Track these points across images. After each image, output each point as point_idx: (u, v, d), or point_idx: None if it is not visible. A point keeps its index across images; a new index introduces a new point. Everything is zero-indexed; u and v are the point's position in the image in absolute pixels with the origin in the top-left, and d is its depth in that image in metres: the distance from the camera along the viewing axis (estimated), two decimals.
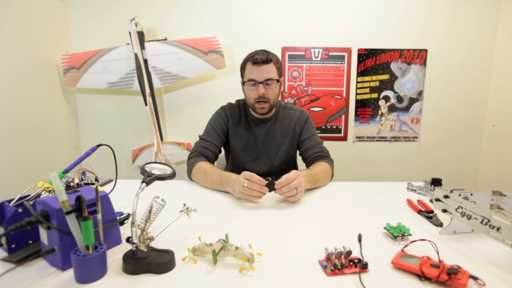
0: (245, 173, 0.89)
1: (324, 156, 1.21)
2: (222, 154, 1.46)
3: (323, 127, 2.10)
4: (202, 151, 1.21)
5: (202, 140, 1.25)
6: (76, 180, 1.05)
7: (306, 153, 1.25)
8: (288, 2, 1.96)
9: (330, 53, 2.02)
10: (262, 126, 1.29)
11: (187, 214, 0.66)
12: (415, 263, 0.53)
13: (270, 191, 0.89)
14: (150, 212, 0.54)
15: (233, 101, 1.37)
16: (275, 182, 0.87)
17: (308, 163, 1.24)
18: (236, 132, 1.29)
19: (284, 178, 0.87)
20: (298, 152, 1.35)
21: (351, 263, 0.54)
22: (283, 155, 1.29)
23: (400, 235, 0.65)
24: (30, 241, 0.60)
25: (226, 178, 0.99)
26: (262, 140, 1.29)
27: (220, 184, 1.01)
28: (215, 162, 1.28)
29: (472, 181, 2.19)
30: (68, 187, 0.92)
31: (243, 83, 1.22)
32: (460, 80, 2.06)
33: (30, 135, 1.57)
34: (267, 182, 0.87)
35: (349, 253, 0.56)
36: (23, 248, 0.59)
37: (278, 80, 1.19)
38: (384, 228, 0.70)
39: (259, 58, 1.14)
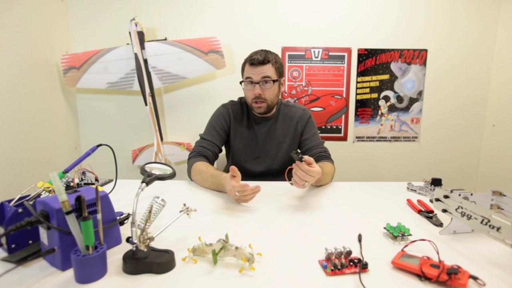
0: (233, 186, 0.85)
1: (327, 156, 1.21)
2: (223, 153, 1.45)
3: (323, 127, 2.10)
4: (202, 151, 1.20)
5: (202, 140, 1.25)
6: (76, 180, 1.05)
7: (309, 152, 1.25)
8: (288, 2, 1.96)
9: (330, 53, 2.01)
10: (264, 125, 1.29)
11: (187, 214, 0.66)
12: (415, 263, 0.53)
13: (294, 157, 0.84)
14: (150, 212, 0.54)
15: (235, 99, 1.36)
16: (302, 159, 0.83)
17: None
18: (237, 131, 1.29)
19: (307, 169, 0.83)
20: (299, 151, 1.34)
21: (351, 263, 0.54)
22: (284, 154, 1.29)
23: (400, 235, 0.65)
24: (30, 241, 0.60)
25: (219, 179, 0.98)
26: (263, 139, 1.29)
27: (215, 185, 1.01)
28: (216, 161, 1.28)
29: (472, 181, 2.19)
30: (68, 187, 0.92)
31: (241, 82, 1.23)
32: (460, 80, 2.06)
33: (30, 135, 1.57)
34: (296, 153, 0.83)
35: (349, 253, 0.56)
36: (23, 248, 0.59)
37: (275, 80, 1.19)
38: (384, 228, 0.70)
39: (256, 58, 1.15)
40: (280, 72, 1.22)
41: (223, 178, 0.97)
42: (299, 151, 0.85)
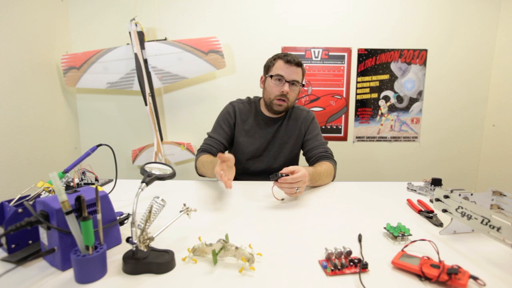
0: (216, 173, 0.88)
1: (328, 156, 1.22)
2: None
3: (323, 127, 2.10)
4: (207, 148, 1.23)
5: (208, 138, 1.28)
6: (76, 180, 1.05)
7: (310, 153, 1.26)
8: (288, 2, 1.96)
9: (330, 53, 2.01)
10: (271, 125, 1.30)
11: (187, 214, 0.66)
12: (415, 263, 0.53)
13: (273, 180, 0.89)
14: (150, 212, 0.54)
15: (242, 98, 1.37)
16: (282, 176, 0.88)
17: (312, 162, 1.24)
18: (242, 128, 1.30)
19: (291, 178, 0.87)
20: (302, 152, 1.35)
21: (351, 263, 0.54)
22: (287, 154, 1.30)
23: (400, 235, 0.65)
24: (30, 241, 0.60)
25: (216, 164, 0.99)
26: (269, 139, 1.30)
27: (214, 171, 1.02)
28: None
29: (472, 181, 2.19)
30: (68, 187, 0.92)
31: (270, 77, 1.21)
32: (460, 80, 2.06)
33: (30, 135, 1.57)
34: (274, 175, 0.88)
35: (349, 253, 0.56)
36: (23, 248, 0.59)
37: (302, 85, 1.23)
38: (384, 228, 0.70)
39: (292, 59, 1.18)
40: (303, 79, 1.26)
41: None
42: (278, 173, 0.89)
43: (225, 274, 0.53)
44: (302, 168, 0.91)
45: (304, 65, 2.00)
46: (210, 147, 1.23)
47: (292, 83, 1.19)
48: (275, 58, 1.23)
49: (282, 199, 0.93)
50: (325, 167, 1.11)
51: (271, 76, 1.21)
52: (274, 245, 0.63)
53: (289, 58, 1.18)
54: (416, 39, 2.01)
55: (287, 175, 0.88)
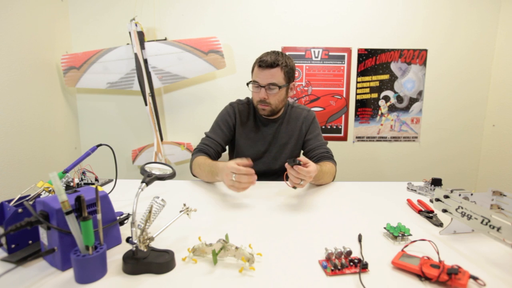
0: (231, 167, 0.86)
1: (329, 157, 1.22)
2: (227, 151, 1.45)
3: (323, 127, 2.10)
4: (203, 149, 1.22)
5: (206, 138, 1.27)
6: (76, 180, 1.05)
7: (311, 153, 1.25)
8: (288, 2, 1.96)
9: (330, 53, 2.01)
10: (270, 126, 1.29)
11: (187, 214, 0.66)
12: (415, 263, 0.53)
13: (290, 164, 0.86)
14: (150, 212, 0.54)
15: (242, 98, 1.36)
16: (299, 163, 0.85)
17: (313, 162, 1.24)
18: (243, 130, 1.29)
19: (306, 171, 0.85)
20: (302, 152, 1.35)
21: (351, 263, 0.54)
22: (288, 155, 1.29)
23: (400, 235, 0.65)
24: (30, 241, 0.60)
25: (215, 168, 0.99)
26: (269, 140, 1.29)
27: (211, 175, 1.02)
28: (219, 160, 1.28)
29: (472, 181, 2.19)
30: (68, 187, 0.92)
31: (248, 84, 1.21)
32: (460, 80, 2.06)
33: (30, 135, 1.57)
34: (292, 160, 0.85)
35: (349, 253, 0.56)
36: (23, 248, 0.59)
37: (281, 86, 1.16)
38: (384, 228, 0.70)
39: (265, 61, 1.12)
40: (290, 77, 1.19)
41: (218, 166, 0.97)
42: (296, 159, 0.86)
43: (225, 274, 0.53)
44: (313, 164, 0.90)
45: (305, 64, 2.02)
46: (207, 147, 1.22)
47: (269, 87, 1.14)
48: (255, 62, 1.19)
49: (294, 187, 0.91)
50: (329, 167, 1.12)
51: (248, 83, 1.20)
52: (274, 245, 0.63)
53: (262, 60, 1.13)
54: (416, 39, 2.01)
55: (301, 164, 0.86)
